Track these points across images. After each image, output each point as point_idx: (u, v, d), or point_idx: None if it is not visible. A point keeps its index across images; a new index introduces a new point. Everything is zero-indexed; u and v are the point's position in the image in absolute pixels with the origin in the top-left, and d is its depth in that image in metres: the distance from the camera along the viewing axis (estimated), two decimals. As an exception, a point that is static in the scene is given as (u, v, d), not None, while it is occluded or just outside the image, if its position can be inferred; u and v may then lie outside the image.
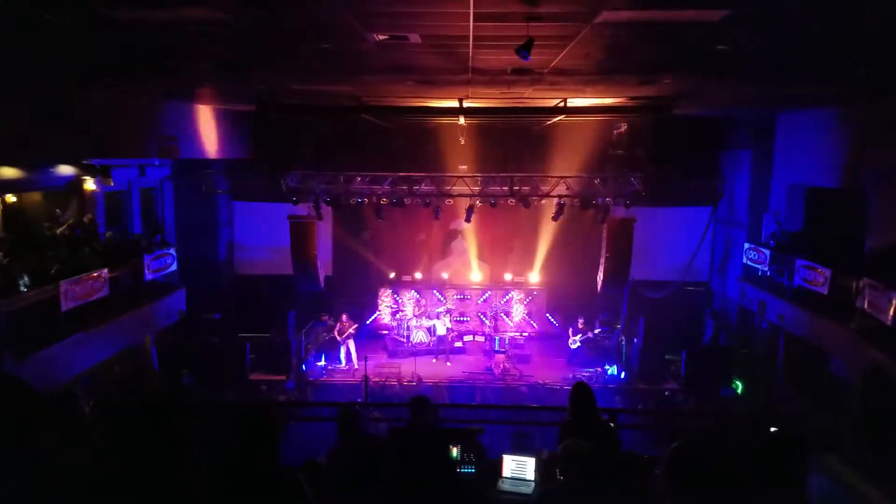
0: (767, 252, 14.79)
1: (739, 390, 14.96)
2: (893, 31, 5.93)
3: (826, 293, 12.20)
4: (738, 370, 15.26)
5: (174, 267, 14.54)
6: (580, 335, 16.80)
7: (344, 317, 16.81)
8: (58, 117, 9.85)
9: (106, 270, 11.55)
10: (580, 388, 5.63)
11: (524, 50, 5.90)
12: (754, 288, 15.28)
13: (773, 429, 7.89)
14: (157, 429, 3.58)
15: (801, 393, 12.82)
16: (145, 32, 6.51)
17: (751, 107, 14.95)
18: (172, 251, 14.59)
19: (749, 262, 15.68)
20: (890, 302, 10.02)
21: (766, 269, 14.75)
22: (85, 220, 12.49)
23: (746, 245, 16.00)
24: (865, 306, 10.79)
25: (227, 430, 3.68)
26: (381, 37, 6.70)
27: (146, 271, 13.21)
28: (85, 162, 12.17)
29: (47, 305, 10.05)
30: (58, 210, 12.35)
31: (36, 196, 12.68)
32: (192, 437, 3.81)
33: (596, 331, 17.06)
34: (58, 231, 11.66)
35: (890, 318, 10.00)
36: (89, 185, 12.75)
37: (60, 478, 3.15)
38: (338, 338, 16.66)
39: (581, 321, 16.98)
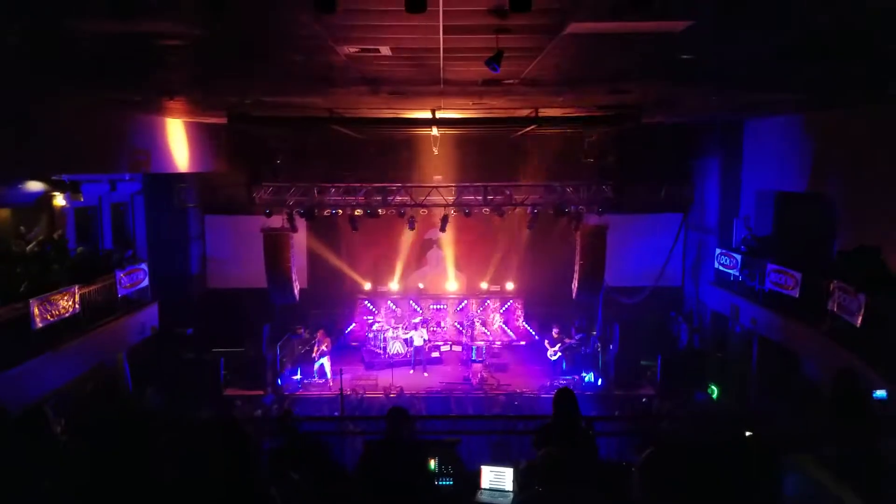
0: (738, 257, 14.98)
1: (715, 394, 15.11)
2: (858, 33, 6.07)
3: (797, 296, 12.38)
4: (712, 374, 15.41)
5: (146, 282, 14.36)
6: (558, 345, 16.74)
7: (319, 334, 16.66)
8: (25, 132, 9.66)
9: (76, 287, 11.37)
10: (564, 393, 5.73)
11: (494, 62, 5.95)
12: (727, 292, 15.45)
13: (748, 433, 7.97)
14: (127, 446, 3.53)
15: (776, 395, 12.97)
16: (111, 44, 6.42)
17: (719, 114, 15.18)
18: (144, 266, 14.40)
19: (721, 268, 15.85)
20: (859, 304, 10.21)
21: (738, 273, 14.92)
22: (55, 236, 12.28)
23: (718, 250, 16.18)
24: (835, 308, 10.97)
25: (198, 445, 3.63)
26: (352, 49, 6.70)
27: (119, 287, 13.02)
28: (54, 178, 11.96)
29: (17, 323, 9.87)
30: (22, 227, 12.12)
31: (3, 212, 12.44)
32: (163, 454, 3.75)
33: (577, 337, 17.04)
34: (27, 248, 11.44)
35: (859, 319, 10.19)
36: (59, 200, 12.54)
37: (30, 495, 3.08)
38: (313, 353, 16.52)
39: (556, 330, 16.92)
